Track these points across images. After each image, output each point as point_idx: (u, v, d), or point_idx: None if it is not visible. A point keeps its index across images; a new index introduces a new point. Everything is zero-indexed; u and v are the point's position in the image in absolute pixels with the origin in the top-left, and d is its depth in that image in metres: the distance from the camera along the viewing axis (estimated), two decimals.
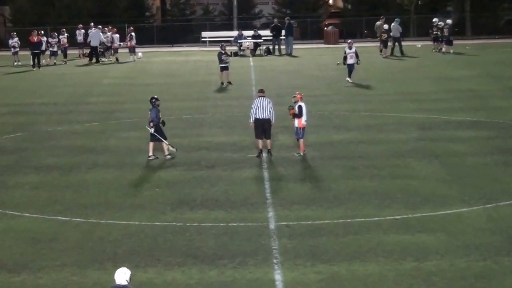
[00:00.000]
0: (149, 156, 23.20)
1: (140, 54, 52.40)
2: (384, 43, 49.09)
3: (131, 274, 10.94)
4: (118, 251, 15.78)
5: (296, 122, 22.99)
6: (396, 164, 22.20)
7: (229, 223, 17.34)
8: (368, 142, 25.03)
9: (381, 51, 50.20)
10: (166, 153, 23.24)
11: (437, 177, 20.81)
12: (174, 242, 16.27)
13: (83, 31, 52.24)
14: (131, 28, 52.39)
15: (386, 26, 49.18)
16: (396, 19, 50.64)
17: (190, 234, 16.69)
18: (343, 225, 17.04)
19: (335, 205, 18.49)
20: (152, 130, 23.02)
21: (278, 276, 14.37)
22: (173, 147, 23.35)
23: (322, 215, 17.75)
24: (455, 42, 50.73)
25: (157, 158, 23.12)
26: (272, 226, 17.16)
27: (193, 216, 17.89)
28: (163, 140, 23.13)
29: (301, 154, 23.07)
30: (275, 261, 15.09)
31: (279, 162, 22.61)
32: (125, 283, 10.88)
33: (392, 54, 49.18)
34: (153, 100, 23.34)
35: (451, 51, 49.35)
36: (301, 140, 23.14)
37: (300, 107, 22.89)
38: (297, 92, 23.49)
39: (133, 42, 51.25)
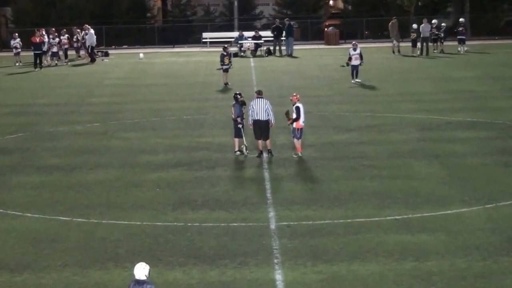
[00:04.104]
0: (242, 153, 23.31)
1: (141, 55, 52.47)
2: (413, 42, 49.18)
3: (149, 269, 10.99)
4: (120, 251, 15.83)
5: (294, 123, 23.00)
6: (396, 165, 22.25)
7: (230, 223, 17.39)
8: (368, 142, 25.08)
9: (393, 51, 50.30)
10: (236, 149, 23.32)
11: (437, 178, 20.86)
12: (175, 242, 16.32)
13: (81, 31, 51.95)
14: (53, 29, 49.72)
15: (415, 26, 49.24)
16: (424, 19, 50.63)
17: (191, 234, 16.74)
18: (343, 225, 17.09)
19: (336, 205, 18.54)
20: (240, 126, 23.05)
21: (278, 276, 14.42)
22: (246, 149, 23.39)
23: (323, 215, 17.80)
24: (454, 43, 50.76)
25: (249, 153, 23.32)
26: (272, 226, 17.21)
27: (194, 216, 17.94)
28: (243, 137, 23.24)
29: (299, 154, 23.09)
30: (275, 261, 15.13)
31: (280, 163, 22.65)
32: (144, 278, 10.91)
33: (427, 54, 49.09)
34: (237, 95, 23.26)
35: (465, 48, 49.77)
36: (299, 141, 23.15)
37: (298, 108, 22.86)
38: (294, 94, 23.47)
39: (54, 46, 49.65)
